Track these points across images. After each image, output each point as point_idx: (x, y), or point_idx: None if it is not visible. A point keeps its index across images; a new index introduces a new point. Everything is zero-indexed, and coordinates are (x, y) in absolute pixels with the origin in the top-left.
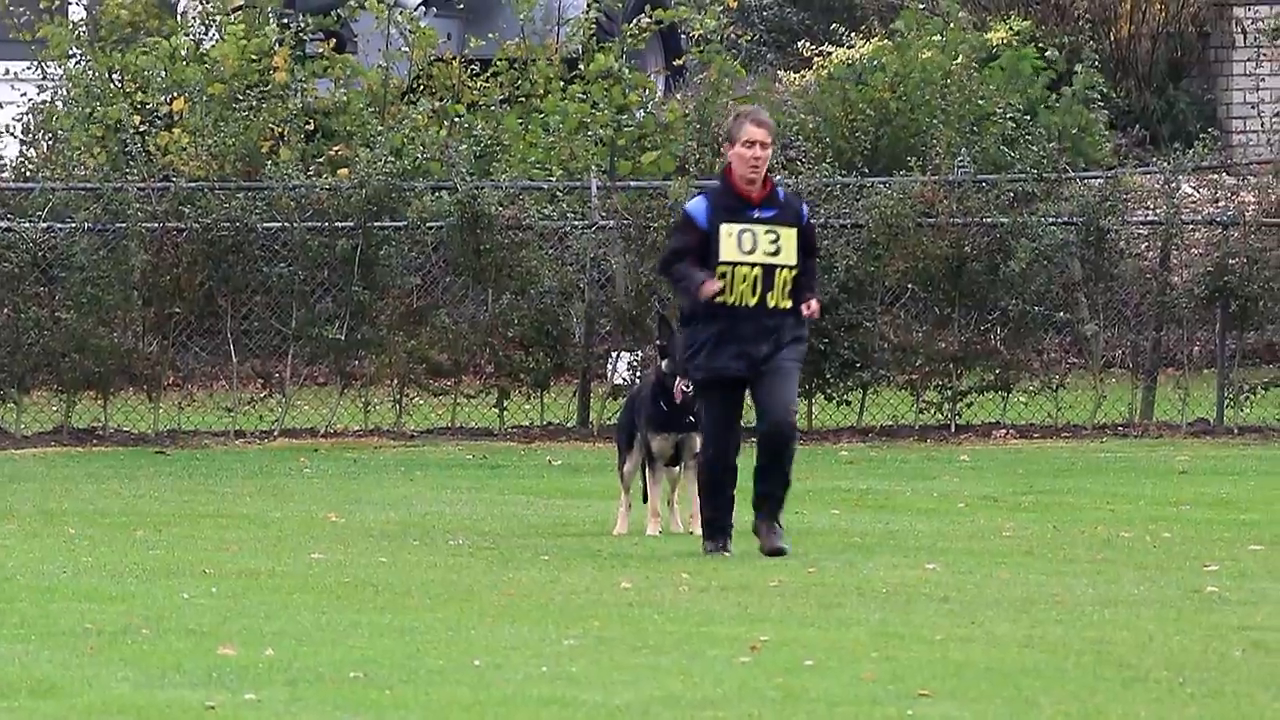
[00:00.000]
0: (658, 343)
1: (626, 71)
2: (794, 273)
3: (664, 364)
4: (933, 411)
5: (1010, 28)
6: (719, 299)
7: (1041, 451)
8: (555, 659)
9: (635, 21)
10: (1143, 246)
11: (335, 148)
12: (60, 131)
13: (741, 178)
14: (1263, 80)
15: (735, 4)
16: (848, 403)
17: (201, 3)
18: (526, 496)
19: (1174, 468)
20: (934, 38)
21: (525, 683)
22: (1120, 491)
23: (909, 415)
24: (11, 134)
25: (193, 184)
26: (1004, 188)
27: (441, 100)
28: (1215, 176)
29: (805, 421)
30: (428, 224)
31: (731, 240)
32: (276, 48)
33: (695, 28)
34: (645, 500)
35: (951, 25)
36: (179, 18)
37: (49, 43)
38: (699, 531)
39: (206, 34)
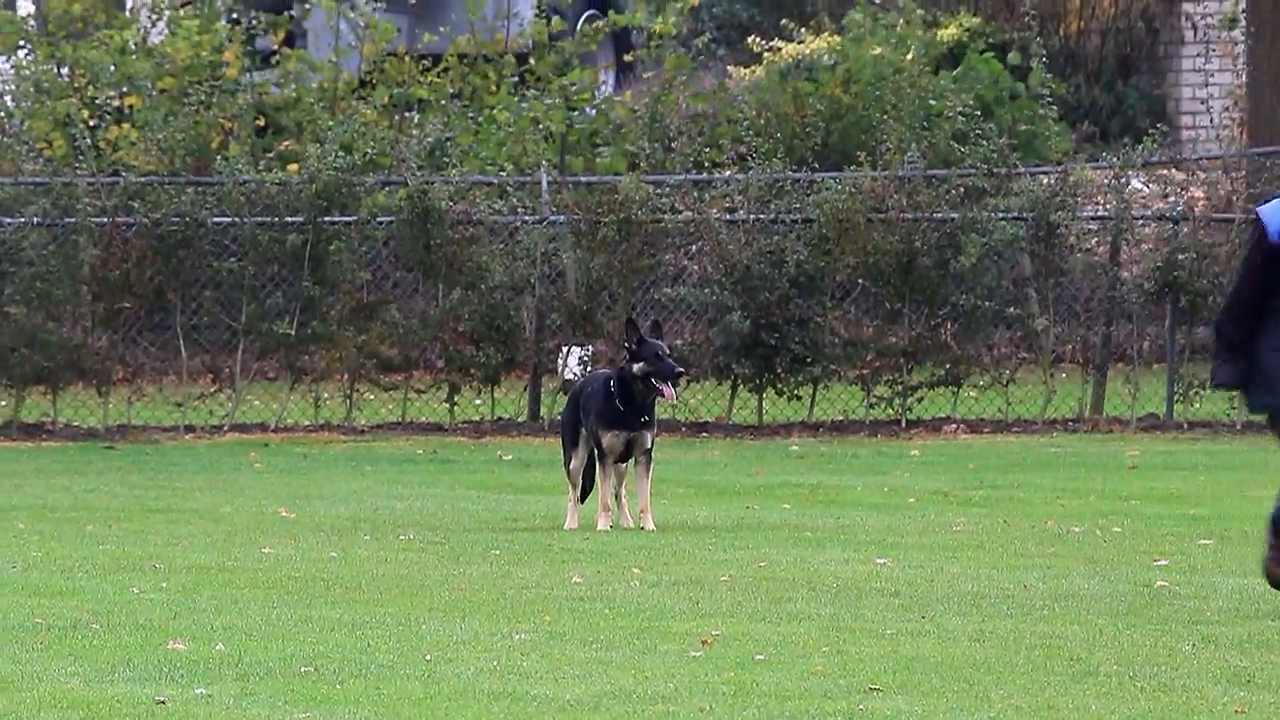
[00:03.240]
0: (627, 346)
1: (577, 66)
2: None
3: (635, 366)
4: (883, 406)
5: (960, 24)
6: None
7: (992, 446)
8: (506, 654)
9: (588, 20)
10: (1093, 242)
11: (285, 143)
12: (8, 125)
13: None
14: (1211, 76)
15: (696, 3)
16: (798, 397)
17: None
18: (477, 491)
19: (1124, 463)
20: (885, 33)
21: (476, 677)
22: (1070, 486)
23: (859, 410)
24: None
25: (142, 178)
26: (954, 183)
27: (396, 89)
28: (1165, 172)
29: (755, 416)
30: (378, 219)
31: None
32: (227, 43)
33: (656, 26)
34: (583, 495)
35: (903, 21)
36: (128, 12)
37: None
38: (649, 526)
39: (154, 28)
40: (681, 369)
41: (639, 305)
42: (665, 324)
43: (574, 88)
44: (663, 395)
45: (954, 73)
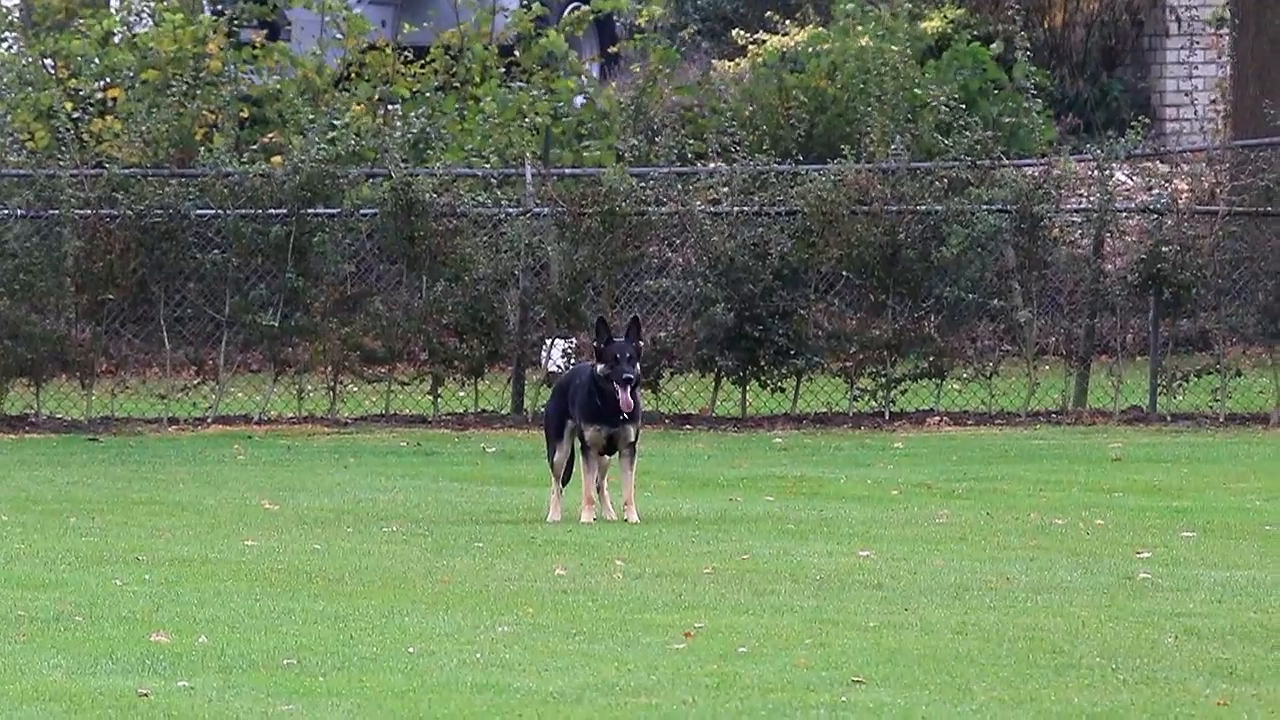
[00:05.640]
0: (595, 345)
1: (570, 56)
2: None
3: (600, 367)
4: (867, 399)
5: (945, 16)
6: None
7: (975, 439)
8: (489, 646)
9: (570, 9)
10: (1076, 234)
11: (269, 135)
12: None
13: None
14: (1196, 68)
15: None
16: (782, 390)
17: None
18: (460, 483)
19: (1107, 455)
20: (871, 25)
21: (459, 670)
22: (1053, 478)
23: (843, 402)
24: None
25: (126, 170)
26: (938, 174)
27: (377, 87)
28: (1148, 164)
29: (739, 409)
30: (361, 211)
31: None
32: (211, 35)
33: (640, 16)
34: (565, 485)
35: (889, 14)
36: (111, 3)
37: None
38: (632, 519)
39: (139, 20)
40: (629, 374)
41: (623, 297)
42: (649, 317)
43: (560, 65)
44: (618, 401)
45: (938, 62)
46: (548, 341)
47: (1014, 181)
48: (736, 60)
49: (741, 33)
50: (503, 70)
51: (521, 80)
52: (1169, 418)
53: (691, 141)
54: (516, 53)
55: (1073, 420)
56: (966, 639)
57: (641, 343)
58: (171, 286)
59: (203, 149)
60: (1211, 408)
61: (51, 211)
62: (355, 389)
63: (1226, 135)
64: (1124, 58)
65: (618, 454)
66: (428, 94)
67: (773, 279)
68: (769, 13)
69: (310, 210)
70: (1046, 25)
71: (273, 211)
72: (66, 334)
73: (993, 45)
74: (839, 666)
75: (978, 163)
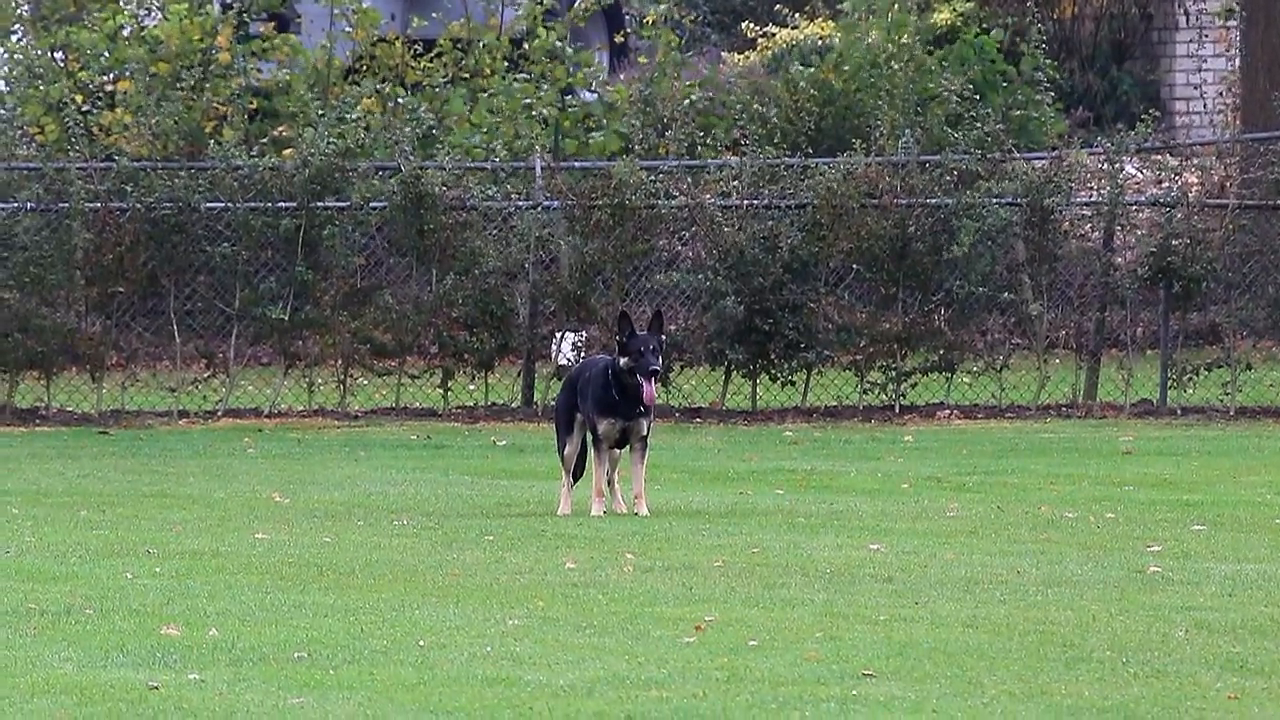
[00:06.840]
0: (618, 339)
1: (570, 50)
2: None
3: (623, 360)
4: (877, 392)
5: (954, 8)
6: None
7: (985, 432)
8: (500, 639)
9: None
10: (1086, 227)
11: (279, 128)
12: (0, 110)
13: None
14: (1205, 62)
15: None
16: (792, 383)
17: None
18: (471, 477)
19: (1117, 448)
20: (881, 20)
21: (469, 663)
22: (1064, 472)
23: (853, 396)
24: None
25: (136, 163)
26: (948, 167)
27: (384, 81)
28: (1158, 157)
29: (749, 402)
30: (371, 204)
31: None
32: (220, 27)
33: (650, 15)
34: (575, 476)
35: (895, 7)
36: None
37: None
38: (643, 512)
39: (149, 14)
40: (655, 366)
41: (633, 291)
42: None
43: (570, 56)
44: (641, 394)
45: (945, 51)
46: (558, 335)
47: (1024, 175)
48: (746, 53)
49: (751, 25)
50: (509, 63)
51: (528, 72)
52: (1179, 411)
53: (700, 134)
54: (525, 45)
55: (1083, 414)
56: (977, 632)
57: (664, 336)
58: (181, 279)
59: (212, 142)
60: (1222, 401)
61: (61, 205)
62: (365, 382)
63: (1236, 128)
64: (1133, 51)
65: (629, 447)
66: (436, 88)
67: (783, 272)
68: (778, 6)
69: (320, 203)
70: (1056, 18)
71: (282, 204)
72: (76, 327)
73: (993, 32)
74: (849, 660)
75: (988, 156)
